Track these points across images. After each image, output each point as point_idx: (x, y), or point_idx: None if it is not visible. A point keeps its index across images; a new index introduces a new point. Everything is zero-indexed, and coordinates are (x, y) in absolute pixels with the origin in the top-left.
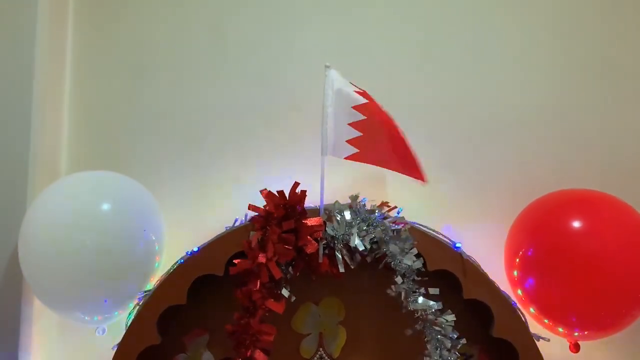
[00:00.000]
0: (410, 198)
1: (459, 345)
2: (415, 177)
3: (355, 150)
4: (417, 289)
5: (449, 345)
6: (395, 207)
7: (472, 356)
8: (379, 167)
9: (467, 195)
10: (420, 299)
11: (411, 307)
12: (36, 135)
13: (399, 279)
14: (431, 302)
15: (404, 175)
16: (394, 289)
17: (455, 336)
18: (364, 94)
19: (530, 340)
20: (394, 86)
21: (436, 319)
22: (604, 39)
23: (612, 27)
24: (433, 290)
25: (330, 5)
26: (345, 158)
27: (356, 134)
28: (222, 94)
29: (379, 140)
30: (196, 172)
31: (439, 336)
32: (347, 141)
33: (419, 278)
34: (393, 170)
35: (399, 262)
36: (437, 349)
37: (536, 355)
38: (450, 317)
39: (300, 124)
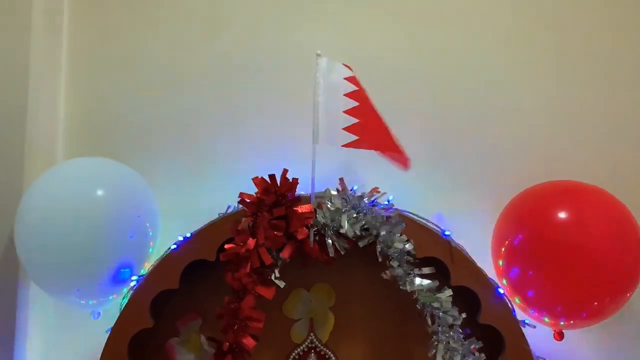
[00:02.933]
0: (400, 186)
1: (461, 321)
2: (400, 163)
3: (354, 137)
4: (411, 270)
5: (450, 321)
6: (385, 193)
7: (470, 333)
8: (371, 154)
9: (457, 184)
10: (417, 280)
11: (408, 288)
12: (32, 122)
13: (394, 262)
14: (427, 281)
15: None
16: (388, 273)
17: (456, 312)
18: (352, 79)
19: (516, 326)
20: (387, 77)
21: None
22: (598, 31)
23: (606, 19)
24: (426, 270)
25: None
26: (344, 146)
27: (353, 120)
28: (216, 83)
29: (373, 126)
30: (190, 160)
31: (439, 313)
32: (344, 129)
33: (412, 260)
34: (386, 155)
35: (390, 247)
36: (439, 326)
37: (522, 342)
38: (448, 292)
39: (293, 113)
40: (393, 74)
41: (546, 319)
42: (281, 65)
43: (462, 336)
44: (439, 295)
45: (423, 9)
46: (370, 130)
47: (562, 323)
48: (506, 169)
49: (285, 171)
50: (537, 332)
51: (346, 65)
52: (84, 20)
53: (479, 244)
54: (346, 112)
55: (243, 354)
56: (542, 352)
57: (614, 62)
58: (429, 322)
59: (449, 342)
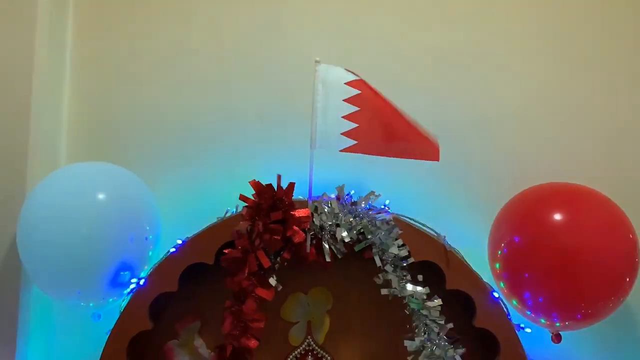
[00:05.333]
0: (397, 190)
1: (446, 330)
2: (426, 158)
3: (353, 142)
4: (404, 276)
5: (436, 329)
6: (380, 195)
7: (459, 339)
8: (368, 159)
9: (453, 187)
10: (409, 286)
11: (399, 294)
12: (35, 125)
13: (389, 267)
14: (419, 288)
15: (400, 162)
16: (380, 277)
17: (443, 321)
18: (357, 83)
19: (511, 330)
20: (383, 81)
21: (424, 304)
22: (593, 34)
23: (601, 22)
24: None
25: (324, 1)
26: (342, 150)
27: (352, 125)
28: (217, 89)
29: (377, 129)
30: (190, 165)
31: (426, 321)
32: (342, 134)
33: (405, 264)
34: (398, 157)
35: (385, 252)
36: (425, 333)
37: (517, 345)
38: (437, 302)
39: (292, 119)
40: (390, 76)
41: (542, 321)
42: (281, 70)
43: (447, 343)
44: (428, 303)
45: (420, 11)
46: (371, 135)
47: (557, 324)
48: (503, 172)
49: (279, 177)
50: (534, 336)
51: (350, 71)
52: (89, 24)
53: (475, 248)
54: (345, 117)
55: (245, 356)
56: (538, 355)
57: (615, 63)
58: (416, 329)
59: (433, 350)
